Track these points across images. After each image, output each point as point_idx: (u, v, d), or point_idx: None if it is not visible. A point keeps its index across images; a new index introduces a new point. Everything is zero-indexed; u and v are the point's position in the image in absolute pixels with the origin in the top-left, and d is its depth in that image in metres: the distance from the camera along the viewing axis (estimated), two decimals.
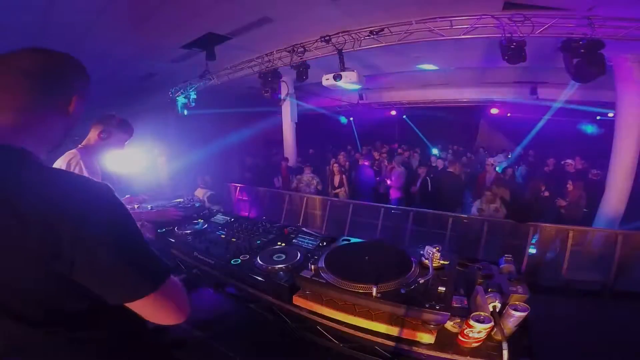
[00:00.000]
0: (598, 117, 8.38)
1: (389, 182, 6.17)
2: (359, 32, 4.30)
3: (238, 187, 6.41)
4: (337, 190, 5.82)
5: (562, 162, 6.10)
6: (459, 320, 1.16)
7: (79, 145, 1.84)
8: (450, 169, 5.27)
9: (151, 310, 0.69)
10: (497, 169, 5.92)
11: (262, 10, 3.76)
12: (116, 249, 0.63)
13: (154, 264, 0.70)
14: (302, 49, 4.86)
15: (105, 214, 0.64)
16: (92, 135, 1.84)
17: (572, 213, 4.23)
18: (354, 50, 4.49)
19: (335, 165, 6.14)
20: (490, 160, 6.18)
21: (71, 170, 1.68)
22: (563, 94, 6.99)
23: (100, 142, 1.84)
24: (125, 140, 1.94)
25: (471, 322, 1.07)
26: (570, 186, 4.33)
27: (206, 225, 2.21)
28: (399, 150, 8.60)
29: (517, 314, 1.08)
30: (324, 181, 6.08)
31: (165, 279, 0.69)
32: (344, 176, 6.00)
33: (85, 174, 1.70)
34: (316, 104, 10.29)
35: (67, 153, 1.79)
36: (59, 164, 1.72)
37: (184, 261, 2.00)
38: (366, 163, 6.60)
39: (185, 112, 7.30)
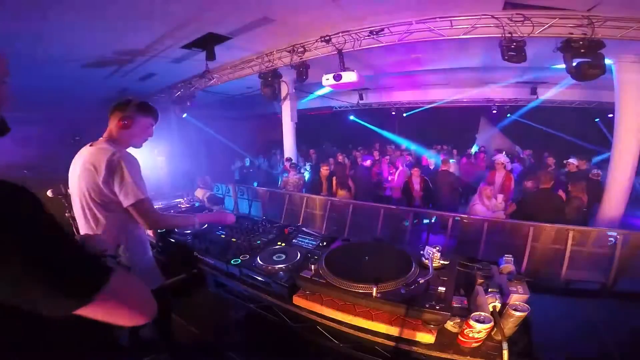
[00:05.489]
0: (597, 120, 8.39)
1: (388, 186, 6.16)
2: (359, 32, 4.28)
3: (237, 187, 6.41)
4: (341, 192, 5.70)
5: (565, 162, 6.08)
6: (459, 320, 1.16)
7: (102, 139, 1.57)
8: (443, 168, 5.26)
9: (95, 316, 0.61)
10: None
11: (262, 10, 3.75)
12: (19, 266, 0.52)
13: (80, 276, 0.59)
14: (302, 49, 4.86)
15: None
16: (113, 125, 1.58)
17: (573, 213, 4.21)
18: (354, 50, 4.49)
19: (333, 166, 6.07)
20: (499, 158, 6.12)
21: (114, 174, 1.44)
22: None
23: (123, 133, 1.58)
24: (150, 125, 1.69)
25: (471, 322, 1.07)
26: (570, 186, 4.32)
27: (206, 225, 2.22)
28: (399, 151, 8.61)
29: (517, 314, 1.08)
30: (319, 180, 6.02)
31: (100, 288, 0.59)
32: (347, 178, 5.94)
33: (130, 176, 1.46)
34: (316, 104, 10.30)
35: (96, 149, 1.51)
36: (97, 164, 1.44)
37: (184, 261, 2.00)
38: (366, 163, 6.59)
39: (185, 114, 7.32)
